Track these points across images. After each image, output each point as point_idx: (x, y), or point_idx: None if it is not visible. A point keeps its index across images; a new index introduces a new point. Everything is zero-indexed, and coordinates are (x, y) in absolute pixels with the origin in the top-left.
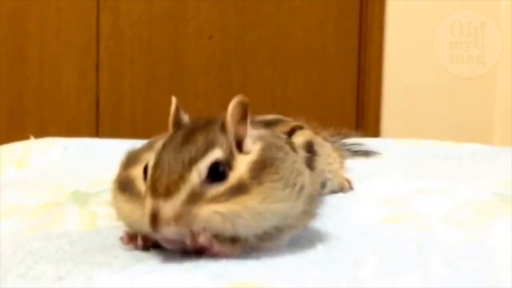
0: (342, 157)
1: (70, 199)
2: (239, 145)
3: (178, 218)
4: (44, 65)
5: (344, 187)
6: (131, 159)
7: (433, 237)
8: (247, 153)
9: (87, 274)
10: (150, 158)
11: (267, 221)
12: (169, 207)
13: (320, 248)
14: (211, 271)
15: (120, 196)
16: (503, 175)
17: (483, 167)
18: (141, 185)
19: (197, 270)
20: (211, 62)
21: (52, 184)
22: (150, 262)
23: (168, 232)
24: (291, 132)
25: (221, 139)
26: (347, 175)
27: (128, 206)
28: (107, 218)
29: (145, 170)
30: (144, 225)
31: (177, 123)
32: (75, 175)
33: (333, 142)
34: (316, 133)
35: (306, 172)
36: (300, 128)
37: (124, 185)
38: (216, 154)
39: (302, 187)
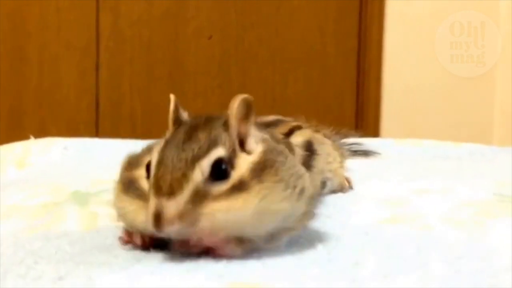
0: (343, 155)
1: (70, 199)
2: (242, 144)
3: (181, 217)
4: (44, 65)
5: (344, 186)
6: (132, 162)
7: (433, 237)
8: (249, 152)
9: (87, 274)
10: (153, 156)
11: (268, 221)
12: (172, 206)
13: (320, 248)
14: (211, 271)
15: (124, 196)
16: (502, 175)
17: (483, 167)
18: (145, 184)
19: (197, 270)
20: (211, 62)
21: (52, 184)
22: (150, 262)
23: (171, 231)
24: (290, 133)
25: (224, 137)
26: (348, 174)
27: (132, 206)
28: (107, 218)
29: (148, 168)
30: (148, 225)
31: (177, 121)
32: (75, 175)
33: (334, 140)
34: (316, 131)
35: (306, 175)
36: (299, 128)
37: (127, 185)
38: (219, 152)
39: (302, 190)
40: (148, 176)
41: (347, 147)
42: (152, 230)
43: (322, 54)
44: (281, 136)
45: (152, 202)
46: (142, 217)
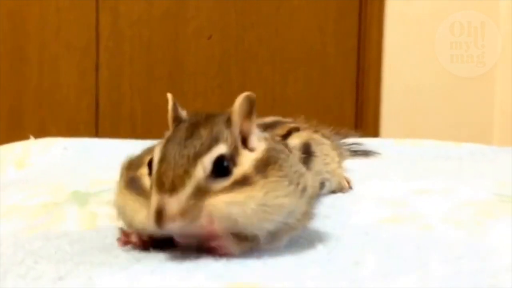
0: (341, 155)
1: (70, 199)
2: (244, 141)
3: (183, 213)
4: (44, 65)
5: (343, 186)
6: (134, 162)
7: (433, 237)
8: (252, 150)
9: (87, 274)
10: (154, 153)
11: (271, 216)
12: (174, 203)
13: (320, 248)
14: (211, 271)
15: (125, 193)
16: (502, 175)
17: (483, 167)
18: (146, 182)
19: (197, 270)
20: (211, 62)
21: (52, 184)
22: (150, 262)
23: (173, 227)
24: (287, 134)
25: (226, 133)
26: (347, 174)
27: (132, 203)
28: (107, 218)
29: (149, 165)
30: (149, 222)
31: (177, 118)
32: (75, 175)
33: (332, 140)
34: (315, 131)
35: (307, 174)
36: (297, 130)
37: (129, 182)
38: (221, 149)
39: (305, 188)
40: (150, 173)
41: (347, 147)
42: (153, 227)
43: (322, 54)
44: (278, 139)
45: (154, 198)
46: (141, 215)
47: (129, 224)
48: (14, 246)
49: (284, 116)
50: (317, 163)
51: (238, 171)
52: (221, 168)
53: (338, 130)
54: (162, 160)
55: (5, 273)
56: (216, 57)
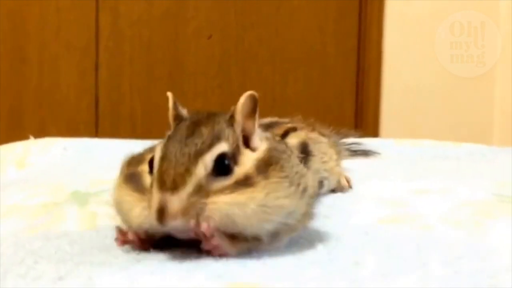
0: (339, 153)
1: (70, 199)
2: (246, 141)
3: (184, 211)
4: (44, 65)
5: (343, 185)
6: (135, 159)
7: (433, 237)
8: (254, 149)
9: (87, 274)
10: (156, 151)
11: (271, 216)
12: (176, 201)
13: (320, 248)
14: (211, 271)
15: (124, 187)
16: (502, 175)
17: (482, 167)
18: (146, 179)
19: (197, 270)
20: (211, 62)
21: (52, 184)
22: (150, 262)
23: (175, 225)
24: (284, 134)
25: (228, 132)
26: (347, 174)
27: (129, 198)
28: (107, 218)
29: (150, 163)
30: (151, 219)
31: (178, 117)
32: (75, 175)
33: (330, 138)
34: (312, 129)
35: (308, 174)
36: (294, 130)
37: (128, 178)
38: (222, 147)
39: (305, 189)
40: (151, 171)
41: (346, 147)
42: (155, 225)
43: (322, 54)
44: (278, 138)
45: (156, 196)
46: (137, 210)
47: (125, 219)
48: (14, 246)
49: (283, 116)
50: (314, 162)
51: (239, 171)
52: (222, 166)
53: (338, 130)
54: (164, 158)
55: (5, 273)
56: (216, 57)
